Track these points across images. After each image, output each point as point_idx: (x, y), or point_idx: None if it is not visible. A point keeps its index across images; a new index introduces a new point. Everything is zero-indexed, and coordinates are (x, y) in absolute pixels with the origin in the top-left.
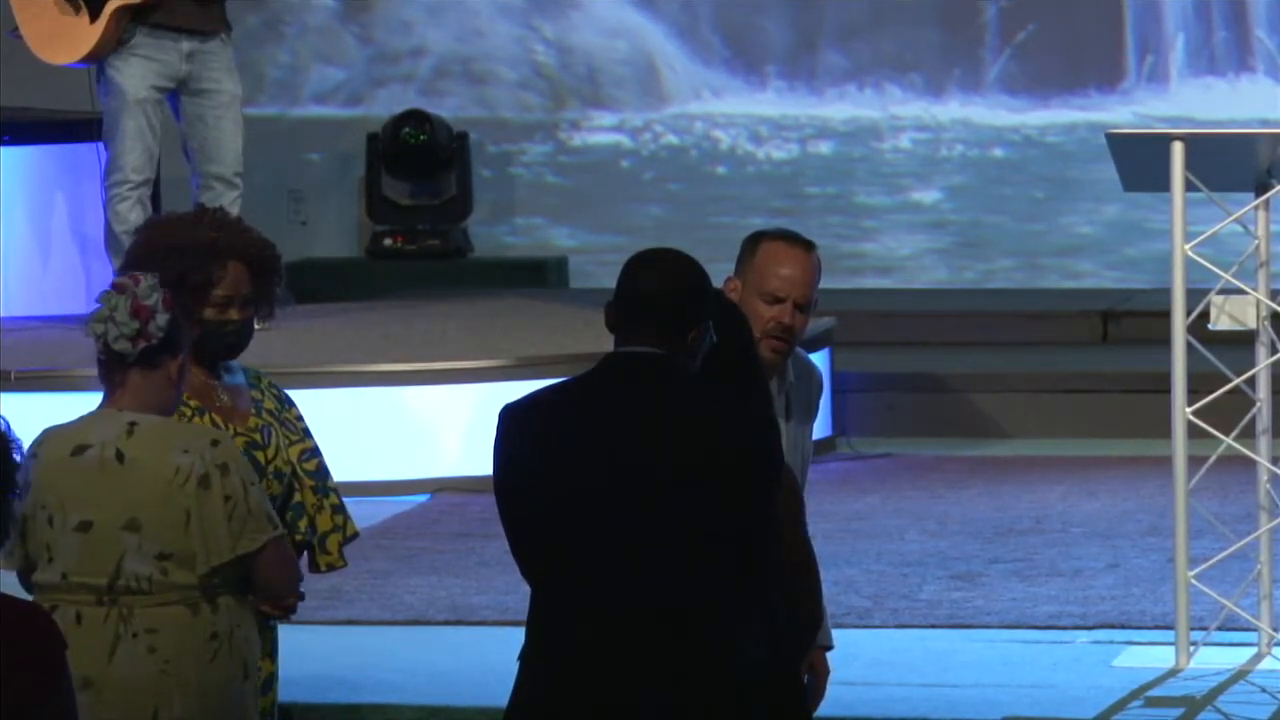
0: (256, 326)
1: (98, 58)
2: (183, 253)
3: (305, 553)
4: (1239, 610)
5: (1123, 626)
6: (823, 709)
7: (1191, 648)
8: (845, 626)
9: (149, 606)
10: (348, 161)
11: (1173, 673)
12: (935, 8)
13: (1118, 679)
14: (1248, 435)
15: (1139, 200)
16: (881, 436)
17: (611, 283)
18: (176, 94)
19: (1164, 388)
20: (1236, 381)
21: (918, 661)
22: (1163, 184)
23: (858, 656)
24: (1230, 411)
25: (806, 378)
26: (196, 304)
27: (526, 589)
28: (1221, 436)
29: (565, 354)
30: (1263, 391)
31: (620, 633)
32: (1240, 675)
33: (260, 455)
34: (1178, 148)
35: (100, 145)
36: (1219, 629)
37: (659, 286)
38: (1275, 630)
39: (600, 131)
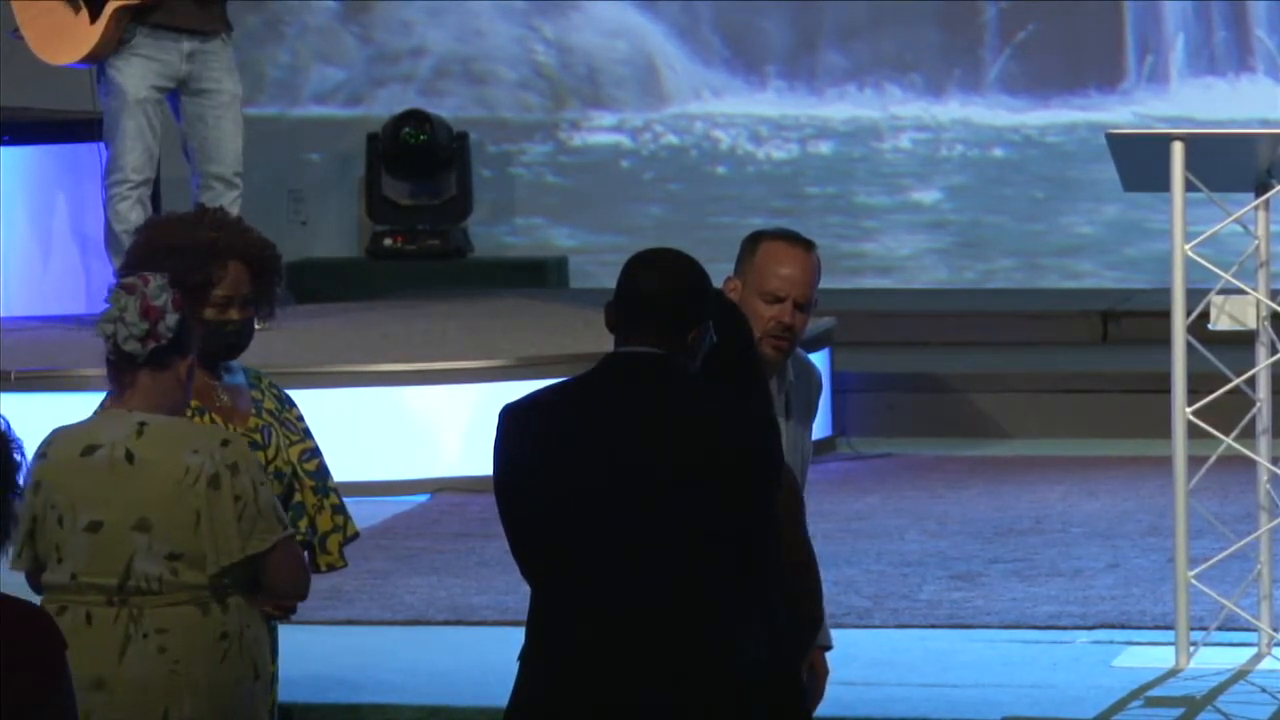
0: (257, 326)
1: (98, 58)
2: (183, 253)
3: (306, 553)
4: (1239, 610)
5: (1123, 626)
6: (823, 709)
7: (1191, 648)
8: (845, 626)
9: (159, 607)
10: (348, 161)
11: (1173, 673)
12: (935, 8)
13: (1118, 679)
14: (1248, 435)
15: (1139, 200)
16: (881, 436)
17: (611, 283)
18: (177, 94)
19: (1164, 388)
20: (1236, 381)
21: (918, 661)
22: (1163, 184)
23: (858, 656)
24: (1230, 411)
25: (806, 378)
26: (196, 304)
27: (526, 589)
28: (1221, 436)
29: (565, 354)
30: (1263, 391)
31: (620, 633)
32: (1240, 675)
33: (260, 455)
34: (1178, 148)
35: (101, 145)
36: (1219, 629)
37: (659, 286)
38: (1275, 630)
39: (600, 131)
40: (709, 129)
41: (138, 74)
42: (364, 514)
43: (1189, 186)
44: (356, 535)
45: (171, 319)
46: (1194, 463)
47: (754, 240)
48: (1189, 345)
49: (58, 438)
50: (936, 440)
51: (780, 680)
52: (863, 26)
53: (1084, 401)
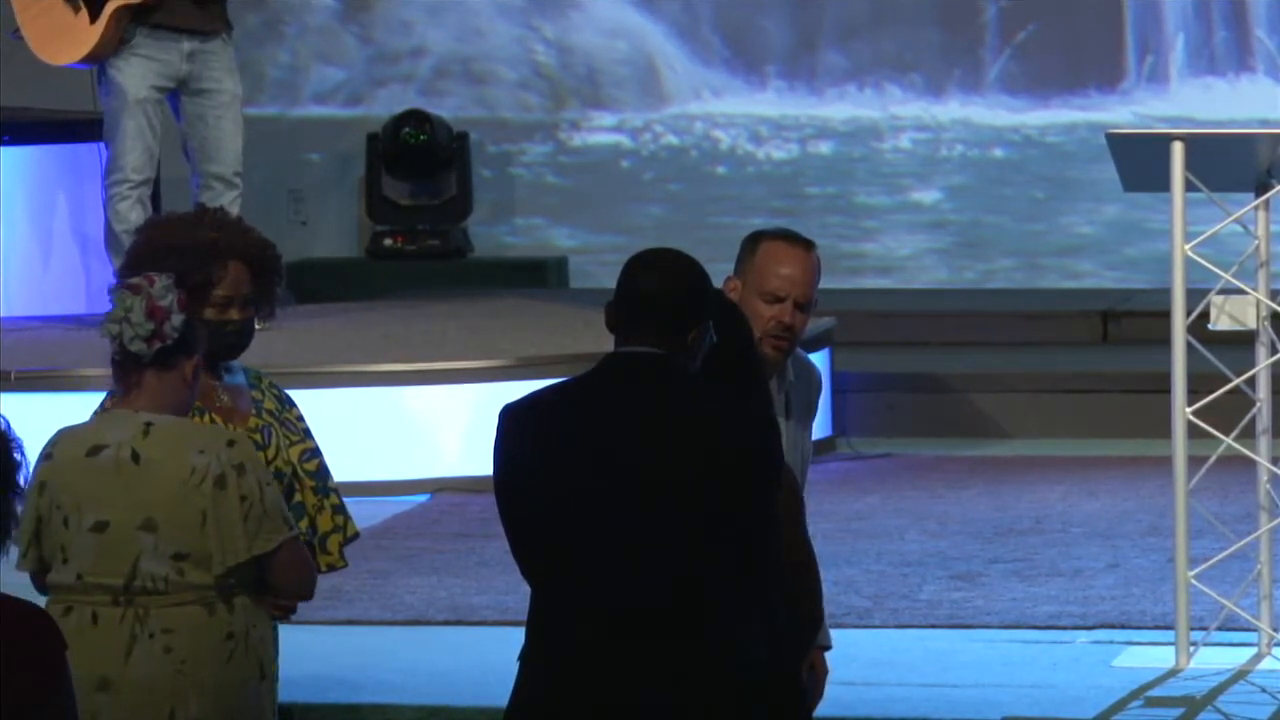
0: (257, 327)
1: (98, 58)
2: (183, 253)
3: None
4: (1239, 610)
5: (1123, 626)
6: (822, 709)
7: (1191, 648)
8: (845, 626)
9: (165, 606)
10: (348, 161)
11: (1173, 673)
12: (935, 8)
13: (1118, 679)
14: (1248, 435)
15: (1139, 200)
16: (881, 436)
17: (611, 283)
18: (177, 94)
19: (1164, 388)
20: (1236, 381)
21: (918, 661)
22: (1163, 184)
23: (858, 656)
24: (1230, 411)
25: (806, 378)
26: (197, 304)
27: (526, 589)
28: (1221, 436)
29: (565, 354)
30: (1263, 391)
31: (620, 633)
32: (1240, 675)
33: (260, 455)
34: (1178, 148)
35: (101, 145)
36: (1219, 629)
37: (659, 286)
38: (1275, 630)
39: (600, 131)
40: (709, 129)
41: (138, 74)
42: (364, 514)
43: (1189, 186)
44: (357, 535)
45: (177, 319)
46: (1194, 463)
47: (754, 240)
48: (1189, 345)
49: (63, 438)
50: (936, 440)
51: (780, 680)
52: (863, 26)
53: (1084, 401)
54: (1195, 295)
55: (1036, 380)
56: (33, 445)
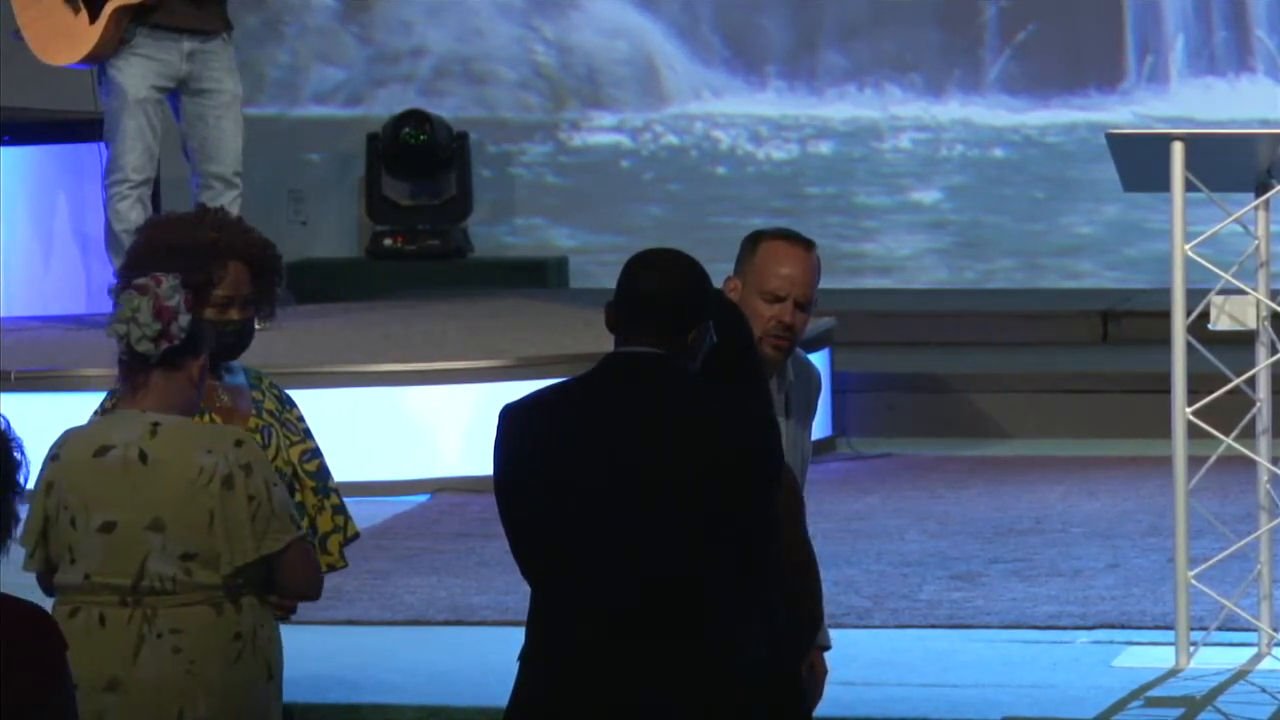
0: (257, 327)
1: (98, 58)
2: (183, 253)
3: None
4: (1239, 610)
5: (1123, 626)
6: (822, 709)
7: (1191, 648)
8: (845, 626)
9: (173, 607)
10: (348, 161)
11: (1173, 673)
12: (935, 8)
13: (1118, 679)
14: (1248, 435)
15: (1139, 200)
16: (881, 436)
17: (611, 283)
18: (177, 94)
19: (1164, 388)
20: (1236, 381)
21: (918, 661)
22: (1163, 184)
23: (858, 656)
24: (1230, 411)
25: (806, 377)
26: (197, 304)
27: (526, 589)
28: (1221, 436)
29: (565, 354)
30: (1263, 391)
31: (620, 633)
32: (1240, 675)
33: None
34: (1178, 148)
35: (101, 145)
36: (1219, 629)
37: (659, 286)
38: (1275, 630)
39: (600, 131)
40: (709, 129)
41: (138, 74)
42: (364, 514)
43: (1189, 186)
44: (357, 535)
45: (184, 319)
46: (1194, 463)
47: (754, 240)
48: (1189, 345)
49: (70, 439)
50: (936, 440)
51: (780, 680)
52: (863, 26)
53: (1084, 401)
54: (1195, 295)
55: (1036, 380)
56: (33, 445)
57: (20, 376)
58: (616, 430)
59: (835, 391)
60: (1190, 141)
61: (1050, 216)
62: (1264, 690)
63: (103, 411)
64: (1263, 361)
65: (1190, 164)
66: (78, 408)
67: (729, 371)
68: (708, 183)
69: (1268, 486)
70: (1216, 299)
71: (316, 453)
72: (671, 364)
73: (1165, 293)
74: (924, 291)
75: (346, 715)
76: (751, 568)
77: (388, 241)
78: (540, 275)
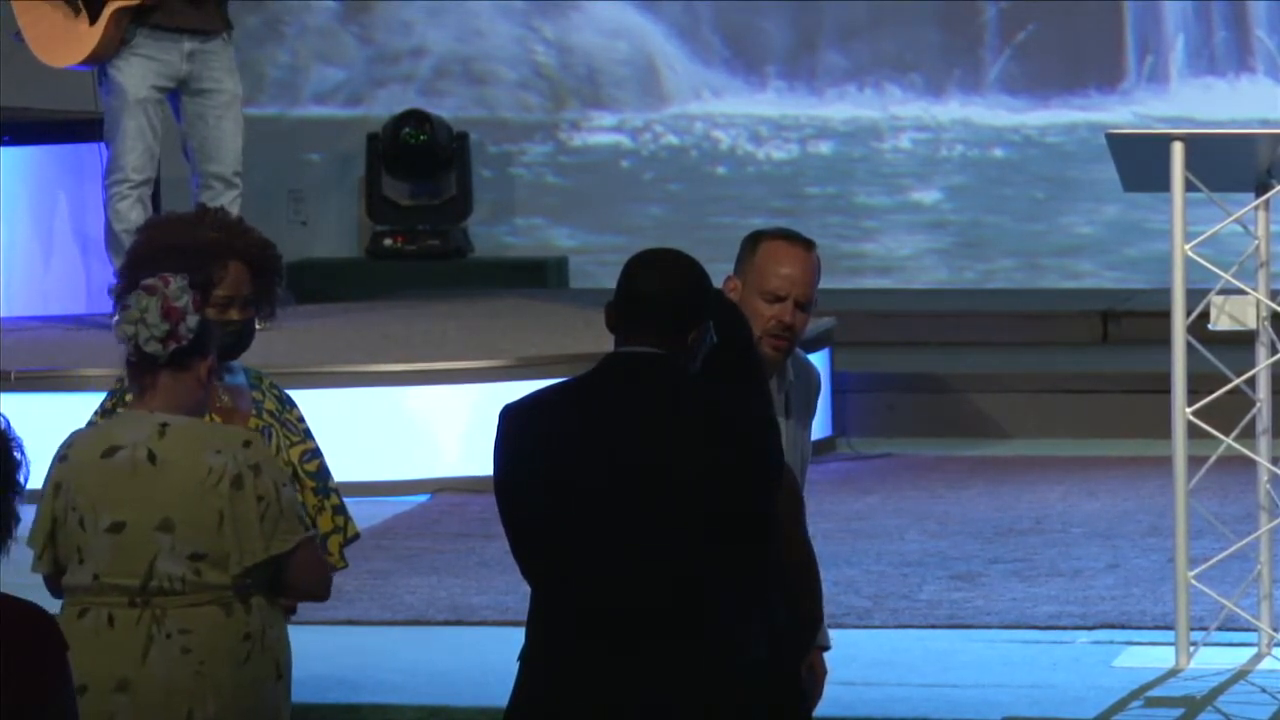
0: (257, 327)
1: (99, 59)
2: (183, 253)
3: None
4: (1239, 610)
5: (1123, 626)
6: (822, 709)
7: (1191, 648)
8: (845, 626)
9: (182, 607)
10: (348, 161)
11: (1173, 673)
12: (935, 8)
13: (1118, 679)
14: (1248, 435)
15: (1139, 200)
16: (881, 436)
17: (611, 283)
18: (177, 94)
19: (1164, 388)
20: (1236, 381)
21: (918, 661)
22: (1163, 184)
23: (858, 656)
24: (1230, 411)
25: (806, 377)
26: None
27: (526, 589)
28: (1221, 436)
29: (565, 354)
30: (1263, 391)
31: (620, 632)
32: (1240, 675)
33: None
34: (1178, 148)
35: (101, 145)
36: (1219, 629)
37: (659, 286)
38: (1275, 630)
39: (600, 131)
40: (709, 129)
41: (138, 74)
42: (364, 514)
43: (1189, 186)
44: (357, 536)
45: (192, 320)
46: (1194, 463)
47: (754, 240)
48: (1189, 345)
49: (78, 440)
50: (936, 440)
51: (780, 680)
52: (863, 26)
53: (1084, 401)
54: (1195, 295)
55: (1036, 380)
56: (33, 445)
57: (20, 376)
58: (616, 430)
59: (835, 391)
60: (1190, 141)
61: (1050, 216)
62: (1264, 690)
63: (103, 412)
64: (1263, 361)
65: (1190, 164)
66: (78, 408)
67: (729, 371)
68: (708, 183)
69: (1268, 486)
70: (1216, 299)
71: (317, 453)
72: (671, 364)
73: (1165, 293)
74: (924, 291)
75: (346, 715)
76: (751, 568)
77: (388, 241)
78: (540, 275)
